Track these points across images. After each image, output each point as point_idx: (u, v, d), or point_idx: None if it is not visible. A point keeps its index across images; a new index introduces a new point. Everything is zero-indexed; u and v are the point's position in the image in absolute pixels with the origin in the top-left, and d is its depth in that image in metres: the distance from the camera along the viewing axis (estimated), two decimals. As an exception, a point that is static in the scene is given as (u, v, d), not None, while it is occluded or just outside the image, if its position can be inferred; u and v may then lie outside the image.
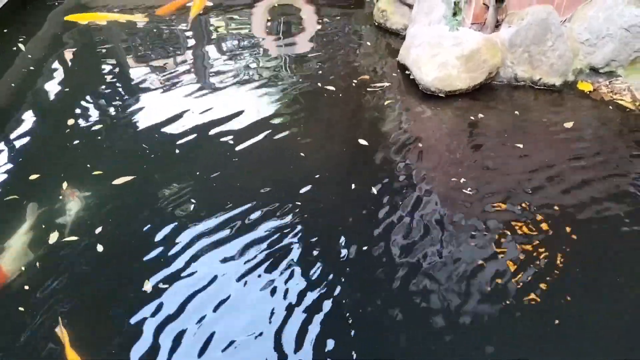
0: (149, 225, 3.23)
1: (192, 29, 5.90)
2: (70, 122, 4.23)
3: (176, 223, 3.24)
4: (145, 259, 3.02)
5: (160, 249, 3.07)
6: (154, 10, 6.27)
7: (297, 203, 3.40)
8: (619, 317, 2.73)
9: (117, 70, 5.09)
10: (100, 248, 3.07)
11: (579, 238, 3.17)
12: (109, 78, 4.96)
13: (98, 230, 3.18)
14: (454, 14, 4.78)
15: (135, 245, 3.12)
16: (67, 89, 4.76)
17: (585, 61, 4.66)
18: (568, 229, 3.22)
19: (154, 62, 5.20)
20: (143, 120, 4.26)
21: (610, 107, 4.39)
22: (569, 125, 4.17)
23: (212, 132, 4.10)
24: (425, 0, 4.96)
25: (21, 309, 2.73)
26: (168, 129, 4.14)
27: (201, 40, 5.70)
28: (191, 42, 5.66)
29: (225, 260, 3.01)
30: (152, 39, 5.70)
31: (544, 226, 3.24)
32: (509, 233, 3.19)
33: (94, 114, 4.37)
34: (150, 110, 4.39)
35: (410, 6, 5.36)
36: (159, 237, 3.15)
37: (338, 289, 2.85)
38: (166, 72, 5.02)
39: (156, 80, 4.88)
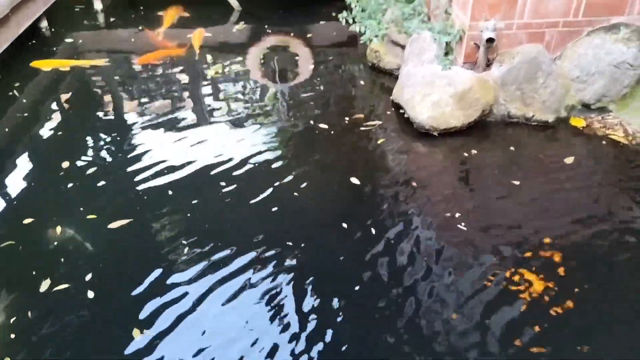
0: (140, 271, 3.19)
1: (187, 69, 5.96)
2: (65, 164, 4.23)
3: (169, 268, 3.20)
4: (137, 306, 2.97)
5: (152, 295, 3.02)
6: (137, 56, 6.33)
7: (290, 244, 3.38)
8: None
9: (112, 112, 5.13)
10: (91, 294, 3.01)
11: (575, 274, 3.15)
12: (104, 120, 4.99)
13: (89, 276, 3.13)
14: (446, 54, 4.86)
15: (127, 291, 3.07)
16: (62, 133, 4.77)
17: (576, 97, 4.72)
18: (564, 266, 3.20)
19: (149, 104, 5.24)
20: (137, 162, 4.26)
21: (604, 142, 4.43)
22: (563, 160, 4.20)
23: (206, 172, 4.11)
24: (416, 41, 5.05)
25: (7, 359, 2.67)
26: (162, 170, 4.13)
27: (196, 81, 5.76)
28: (186, 82, 5.71)
29: (218, 306, 2.96)
30: (147, 81, 5.76)
31: (540, 262, 3.22)
32: (506, 269, 3.17)
33: (89, 157, 4.37)
34: (145, 152, 4.39)
35: (403, 47, 5.45)
36: (151, 283, 3.11)
37: (330, 332, 2.81)
38: (161, 113, 5.04)
39: (151, 121, 4.90)
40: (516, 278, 3.11)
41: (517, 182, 3.94)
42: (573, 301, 2.97)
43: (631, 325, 2.85)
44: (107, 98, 5.40)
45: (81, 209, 3.73)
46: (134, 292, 3.05)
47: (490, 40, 4.46)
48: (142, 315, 2.91)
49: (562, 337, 2.77)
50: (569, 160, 4.20)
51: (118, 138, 4.65)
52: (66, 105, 5.22)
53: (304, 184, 3.98)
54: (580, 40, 4.67)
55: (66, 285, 3.09)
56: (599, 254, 3.31)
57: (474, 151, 4.34)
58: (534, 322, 2.84)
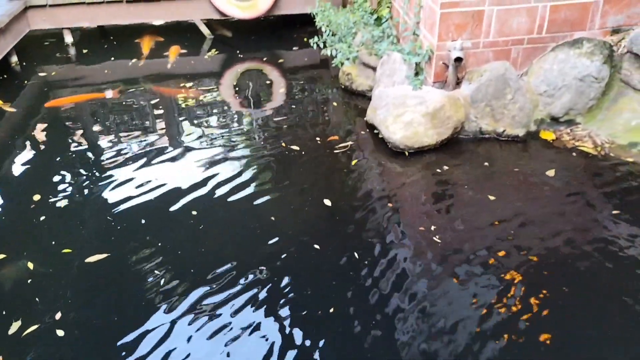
0: (115, 306, 3.14)
1: (160, 100, 5.96)
2: (36, 197, 4.16)
3: (144, 302, 3.14)
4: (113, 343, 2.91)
5: (129, 332, 2.96)
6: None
7: (265, 270, 3.36)
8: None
9: (85, 144, 5.07)
10: (61, 333, 2.94)
11: (551, 286, 3.17)
12: (76, 152, 4.93)
13: (58, 315, 3.06)
14: (416, 74, 4.95)
15: (102, 328, 3.01)
16: (33, 166, 4.71)
17: (545, 111, 4.82)
18: (539, 277, 3.24)
19: (123, 134, 5.20)
20: (112, 193, 4.21)
21: (574, 153, 4.52)
22: (535, 173, 4.27)
23: (181, 200, 4.07)
24: (387, 62, 5.13)
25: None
26: (136, 201, 4.09)
27: (170, 110, 5.75)
28: (160, 112, 5.69)
29: (201, 340, 2.92)
30: (120, 112, 5.73)
31: (515, 273, 3.25)
32: (484, 282, 3.18)
33: (61, 190, 4.30)
34: (119, 182, 4.35)
35: (374, 69, 5.53)
36: (126, 319, 3.05)
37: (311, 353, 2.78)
38: (133, 143, 5.01)
39: (123, 151, 4.86)
40: (495, 292, 3.13)
41: (492, 197, 3.99)
42: (548, 312, 2.99)
43: (613, 338, 2.87)
44: (80, 130, 5.35)
45: (53, 242, 3.66)
46: (110, 330, 2.99)
47: (458, 60, 4.56)
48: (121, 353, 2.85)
49: (540, 350, 2.79)
50: (541, 173, 4.27)
51: (91, 170, 4.60)
52: (38, 139, 5.16)
53: (281, 208, 3.98)
54: (546, 55, 4.79)
55: (36, 326, 3.00)
56: (575, 265, 3.35)
57: (448, 168, 4.39)
58: (510, 335, 2.85)
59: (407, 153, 4.55)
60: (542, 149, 4.65)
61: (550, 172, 4.27)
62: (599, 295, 3.13)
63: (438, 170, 4.37)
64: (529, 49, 4.79)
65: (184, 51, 7.14)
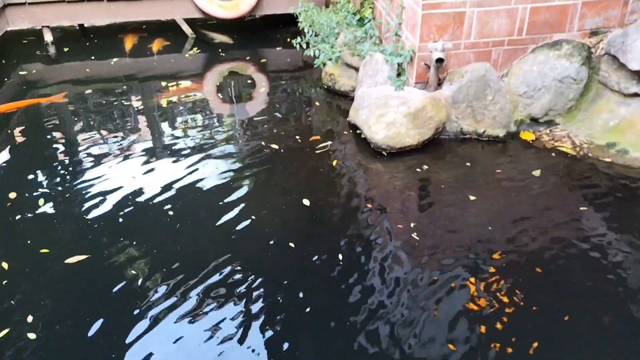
0: (96, 309, 3.10)
1: (142, 99, 5.91)
2: (12, 195, 4.10)
3: (124, 305, 3.11)
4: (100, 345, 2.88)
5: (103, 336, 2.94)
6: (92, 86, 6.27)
7: (243, 269, 3.35)
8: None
9: (64, 143, 5.01)
10: (32, 336, 2.89)
11: (529, 285, 3.22)
12: (55, 151, 4.87)
13: (30, 318, 3.00)
14: (398, 75, 4.98)
15: (82, 330, 2.98)
16: (9, 164, 4.64)
17: (525, 112, 4.88)
18: (516, 275, 3.28)
19: (104, 133, 5.15)
20: (90, 192, 4.16)
21: (553, 153, 4.58)
22: (515, 173, 4.32)
23: (159, 200, 4.04)
24: (370, 63, 5.15)
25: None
26: (115, 200, 4.05)
27: (150, 109, 5.71)
28: (142, 111, 5.66)
29: (175, 341, 2.90)
30: (101, 110, 5.67)
31: (493, 272, 3.29)
32: (462, 282, 3.22)
33: (40, 188, 4.24)
34: (98, 182, 4.30)
35: (356, 69, 5.56)
36: (103, 322, 3.02)
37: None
38: (113, 142, 4.97)
39: (103, 151, 4.81)
40: (472, 289, 3.16)
41: (472, 197, 4.03)
42: (524, 311, 3.03)
43: (587, 333, 2.92)
44: (59, 129, 5.28)
45: (29, 242, 3.62)
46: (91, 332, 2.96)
47: (439, 61, 4.59)
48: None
49: (512, 345, 2.82)
50: (521, 173, 4.33)
51: (69, 169, 4.55)
52: (16, 137, 5.08)
53: (261, 207, 3.97)
54: (526, 57, 4.85)
55: (7, 330, 2.96)
56: (553, 264, 3.39)
57: (429, 168, 4.42)
58: (486, 330, 2.89)
59: (385, 153, 4.58)
60: (522, 149, 4.71)
61: (530, 173, 4.33)
62: (576, 293, 3.17)
63: (419, 170, 4.40)
64: (509, 50, 4.85)
65: (167, 43, 7.07)
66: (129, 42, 7.44)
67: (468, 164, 4.47)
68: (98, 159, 4.67)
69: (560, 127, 4.85)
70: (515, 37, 4.79)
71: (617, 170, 4.31)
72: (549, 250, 3.50)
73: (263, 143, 4.87)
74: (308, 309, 3.06)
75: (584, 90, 4.77)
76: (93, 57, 7.02)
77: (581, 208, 3.91)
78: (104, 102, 5.88)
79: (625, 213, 3.85)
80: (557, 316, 3.00)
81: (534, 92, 4.79)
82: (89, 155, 4.75)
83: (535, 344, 2.81)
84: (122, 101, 5.88)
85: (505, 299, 3.10)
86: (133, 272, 3.34)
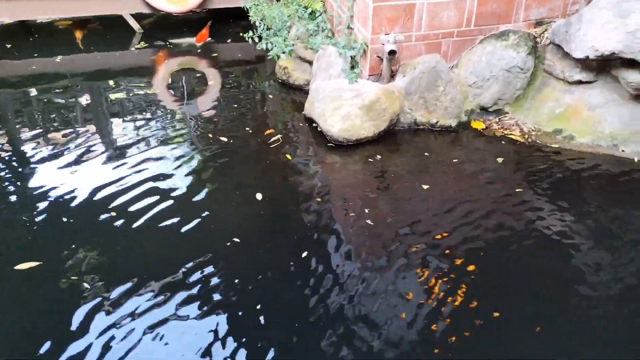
0: (50, 317, 3.02)
1: (90, 97, 5.74)
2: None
3: (79, 310, 3.04)
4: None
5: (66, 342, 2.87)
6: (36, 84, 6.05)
7: (201, 268, 3.32)
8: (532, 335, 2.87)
9: (7, 144, 4.80)
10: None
11: (483, 270, 3.32)
12: None
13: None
14: (352, 67, 5.01)
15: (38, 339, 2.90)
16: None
17: (475, 102, 5.01)
18: (471, 260, 3.38)
19: (50, 133, 4.96)
20: (37, 196, 4.01)
21: (503, 142, 4.72)
22: (467, 161, 4.44)
23: (110, 202, 3.93)
24: (323, 56, 5.17)
25: None
26: (64, 204, 3.92)
27: (98, 106, 5.54)
28: (89, 109, 5.48)
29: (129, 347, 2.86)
30: (46, 108, 5.47)
31: (450, 258, 3.38)
32: (418, 270, 3.29)
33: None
34: (46, 185, 4.14)
35: (310, 62, 5.56)
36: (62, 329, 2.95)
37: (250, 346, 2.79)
38: (60, 141, 4.80)
39: (50, 151, 4.64)
40: (426, 273, 3.24)
41: (426, 186, 4.11)
42: (478, 294, 3.13)
43: (540, 316, 3.04)
44: (1, 129, 5.06)
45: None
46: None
47: (392, 53, 4.65)
48: None
49: (475, 330, 2.91)
50: (473, 161, 4.45)
51: (16, 171, 4.36)
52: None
53: (215, 204, 3.93)
54: (474, 48, 4.97)
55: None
56: (506, 247, 3.51)
57: (384, 158, 4.49)
58: (443, 317, 2.97)
59: (351, 144, 4.61)
60: (473, 138, 4.83)
61: (481, 161, 4.45)
62: (529, 274, 3.30)
63: (375, 161, 4.46)
64: (458, 41, 4.96)
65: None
66: (78, 34, 7.28)
67: (422, 153, 4.56)
68: (44, 161, 4.50)
69: (509, 115, 5.00)
70: (464, 28, 4.89)
71: (564, 156, 4.49)
72: (502, 234, 3.62)
73: (216, 138, 4.81)
74: (259, 306, 3.05)
75: (531, 79, 4.93)
76: (36, 55, 6.75)
77: (530, 193, 4.05)
78: (49, 100, 5.67)
79: (572, 196, 4.01)
80: (514, 296, 3.11)
81: (483, 82, 4.92)
82: (34, 157, 4.57)
83: (496, 326, 2.91)
84: (69, 99, 5.68)
85: (456, 282, 3.19)
86: (86, 276, 3.25)
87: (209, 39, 7.12)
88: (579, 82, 4.68)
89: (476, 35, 4.97)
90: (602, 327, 2.94)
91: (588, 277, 3.26)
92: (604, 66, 4.53)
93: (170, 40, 7.32)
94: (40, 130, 5.03)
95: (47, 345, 2.81)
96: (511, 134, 4.81)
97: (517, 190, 4.09)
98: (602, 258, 3.41)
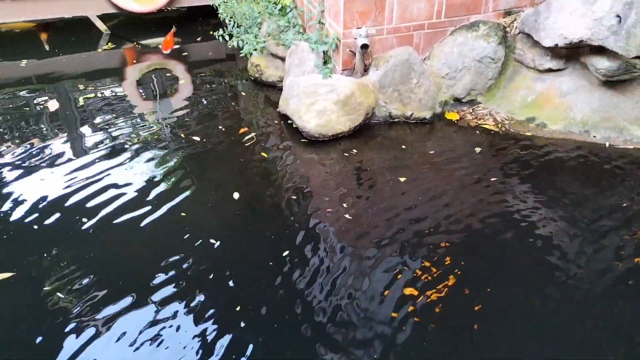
0: (26, 329, 2.94)
1: (58, 100, 5.60)
2: None
3: (56, 323, 2.97)
4: None
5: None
6: None
7: (180, 270, 3.28)
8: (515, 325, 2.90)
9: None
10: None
11: (461, 259, 3.35)
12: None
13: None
14: (325, 63, 4.99)
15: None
16: None
17: (448, 93, 5.04)
18: (450, 251, 3.40)
19: (17, 139, 4.82)
20: (7, 205, 3.90)
21: (477, 131, 4.76)
22: (442, 152, 4.47)
23: (83, 208, 3.84)
24: (295, 52, 5.13)
25: None
26: (36, 210, 3.82)
27: (67, 110, 5.41)
28: (57, 113, 5.35)
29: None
30: (13, 115, 5.32)
31: (431, 248, 3.40)
32: (397, 263, 3.30)
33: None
34: (14, 192, 4.03)
35: (282, 59, 5.52)
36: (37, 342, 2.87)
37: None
38: (31, 148, 4.66)
39: (20, 157, 4.51)
40: (406, 267, 3.25)
41: (403, 178, 4.12)
42: (461, 286, 3.15)
43: (523, 302, 3.07)
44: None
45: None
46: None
47: (364, 47, 4.64)
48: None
49: (458, 324, 2.93)
50: (448, 152, 4.48)
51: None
52: None
53: (193, 204, 3.88)
54: (446, 39, 5.00)
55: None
56: (484, 236, 3.55)
57: (361, 152, 4.48)
58: (419, 305, 2.98)
59: (327, 139, 4.59)
60: (448, 129, 4.87)
61: (456, 151, 4.49)
62: (510, 262, 3.34)
63: (352, 155, 4.46)
64: (429, 33, 4.98)
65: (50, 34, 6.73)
66: (43, 37, 7.12)
67: (397, 146, 4.57)
68: (12, 167, 4.37)
69: (482, 105, 5.05)
70: (434, 20, 4.91)
71: (538, 143, 4.55)
72: (479, 223, 3.65)
73: (189, 138, 4.75)
74: (238, 308, 3.02)
75: (502, 68, 4.99)
76: (1, 59, 6.56)
77: (505, 181, 4.09)
78: (16, 105, 5.51)
79: (547, 183, 4.07)
80: (495, 286, 3.14)
81: (455, 73, 4.95)
82: (3, 164, 4.43)
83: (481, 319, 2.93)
84: (36, 104, 5.54)
85: (438, 273, 3.21)
86: (60, 284, 3.17)
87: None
88: (549, 70, 4.75)
89: (447, 27, 4.99)
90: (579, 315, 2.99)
91: (565, 264, 3.31)
92: (573, 54, 4.60)
93: (139, 41, 7.20)
94: (7, 137, 4.88)
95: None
96: (485, 124, 4.86)
97: (492, 179, 4.13)
98: (577, 244, 3.47)
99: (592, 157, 4.35)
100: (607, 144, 4.48)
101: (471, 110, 5.04)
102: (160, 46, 6.82)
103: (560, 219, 3.68)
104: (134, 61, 6.62)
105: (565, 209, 3.78)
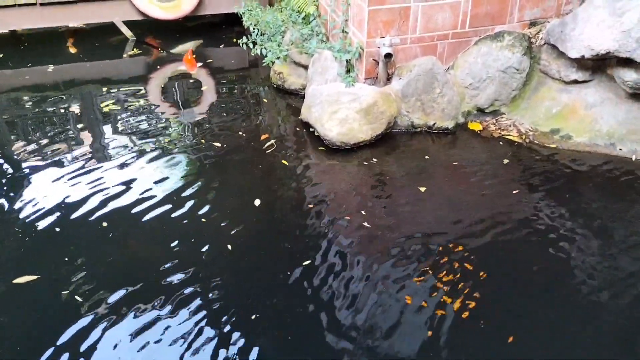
0: (51, 329, 2.98)
1: (83, 106, 5.69)
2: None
3: (80, 322, 3.01)
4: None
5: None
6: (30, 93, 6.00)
7: (201, 276, 3.29)
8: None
9: (1, 155, 4.74)
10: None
11: (481, 270, 3.31)
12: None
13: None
14: (348, 71, 5.00)
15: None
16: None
17: (471, 103, 5.01)
18: (469, 262, 3.36)
19: (44, 144, 4.89)
20: (33, 208, 3.95)
21: (500, 142, 4.72)
22: (466, 163, 4.42)
23: (108, 212, 3.89)
24: (318, 60, 5.15)
25: None
26: (60, 214, 3.87)
27: (92, 116, 5.49)
28: (83, 118, 5.43)
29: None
30: (39, 119, 5.42)
31: (448, 260, 3.36)
32: (417, 272, 3.27)
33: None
34: (41, 197, 4.08)
35: (305, 67, 5.54)
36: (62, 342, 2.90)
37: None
38: (54, 152, 4.73)
39: (44, 162, 4.58)
40: (425, 277, 3.22)
41: (424, 188, 4.09)
42: (479, 296, 3.11)
43: (541, 315, 3.02)
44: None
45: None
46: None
47: (388, 56, 4.64)
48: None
49: (470, 332, 2.90)
50: (471, 162, 4.44)
51: (9, 183, 4.30)
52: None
53: (214, 211, 3.89)
54: (470, 49, 4.97)
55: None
56: (505, 249, 3.50)
57: (382, 162, 4.47)
58: (441, 315, 2.95)
59: (349, 147, 4.58)
60: (471, 139, 4.83)
61: (479, 162, 4.45)
62: (527, 275, 3.29)
63: (373, 164, 4.44)
64: (453, 43, 4.96)
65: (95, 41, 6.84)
66: (70, 42, 7.24)
67: (420, 156, 4.55)
68: (37, 171, 4.44)
69: (506, 116, 5.00)
70: (459, 30, 4.90)
71: (562, 156, 4.48)
72: (501, 235, 3.61)
73: (211, 144, 4.78)
74: (253, 316, 3.01)
75: (527, 79, 4.94)
76: (30, 64, 6.70)
77: (529, 193, 4.05)
78: (43, 110, 5.62)
79: (571, 196, 4.01)
80: (512, 298, 3.10)
81: (479, 83, 4.92)
82: (29, 168, 4.51)
83: (494, 326, 2.89)
84: (62, 109, 5.63)
85: (460, 285, 3.17)
86: (82, 288, 3.20)
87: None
88: (575, 82, 4.69)
89: (471, 37, 4.97)
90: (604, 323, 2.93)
91: (589, 277, 3.25)
92: (599, 65, 4.54)
93: (164, 47, 7.30)
94: (34, 141, 4.97)
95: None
96: (508, 135, 4.81)
97: (515, 191, 4.08)
98: (602, 257, 3.40)
99: (617, 171, 4.27)
100: (633, 158, 4.40)
101: (494, 121, 5.00)
102: (184, 67, 6.74)
103: (585, 234, 3.62)
104: (159, 67, 6.70)
105: (590, 224, 3.71)
